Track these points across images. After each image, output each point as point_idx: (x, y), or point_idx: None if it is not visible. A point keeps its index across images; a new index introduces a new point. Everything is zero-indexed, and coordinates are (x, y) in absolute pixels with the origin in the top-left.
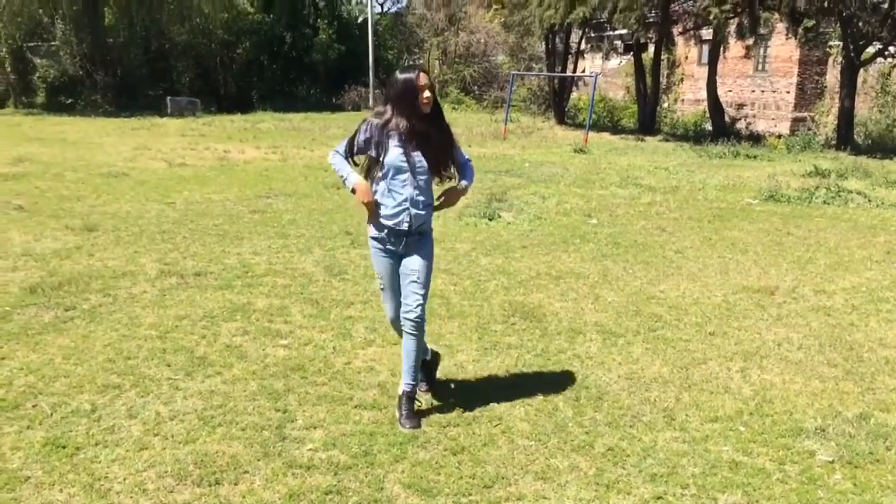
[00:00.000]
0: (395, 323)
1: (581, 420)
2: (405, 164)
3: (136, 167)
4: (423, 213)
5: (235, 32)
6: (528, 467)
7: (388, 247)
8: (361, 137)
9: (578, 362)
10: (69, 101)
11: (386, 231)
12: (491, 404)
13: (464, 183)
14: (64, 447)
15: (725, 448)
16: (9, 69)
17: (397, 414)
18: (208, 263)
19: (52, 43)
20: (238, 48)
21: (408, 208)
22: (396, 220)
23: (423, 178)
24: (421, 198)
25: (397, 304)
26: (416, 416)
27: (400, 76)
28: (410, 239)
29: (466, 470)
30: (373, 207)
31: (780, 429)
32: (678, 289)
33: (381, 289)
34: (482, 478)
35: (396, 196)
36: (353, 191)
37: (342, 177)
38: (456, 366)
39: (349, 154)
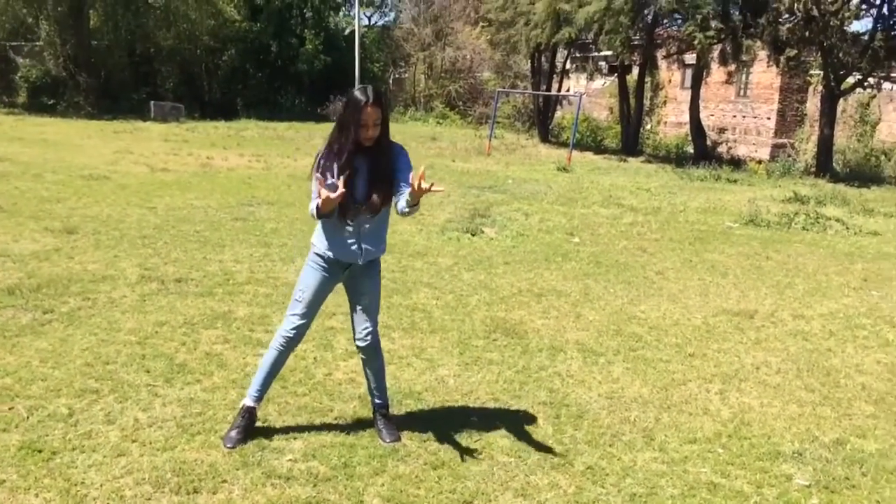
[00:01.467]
0: (291, 342)
1: (561, 438)
2: (349, 196)
3: (117, 171)
4: (373, 248)
5: (221, 39)
6: (507, 484)
7: (331, 269)
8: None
9: (559, 380)
10: (51, 101)
11: (331, 260)
12: (472, 419)
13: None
14: (40, 451)
15: (704, 470)
16: None
17: (377, 427)
18: (189, 270)
19: (36, 43)
20: (224, 55)
21: (357, 242)
22: (344, 255)
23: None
24: (370, 231)
25: (304, 326)
26: (395, 430)
27: (352, 96)
28: (357, 268)
29: (446, 485)
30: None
31: (758, 452)
32: (659, 309)
33: (297, 300)
34: (462, 493)
35: (346, 228)
36: (320, 206)
37: (312, 213)
38: (437, 380)
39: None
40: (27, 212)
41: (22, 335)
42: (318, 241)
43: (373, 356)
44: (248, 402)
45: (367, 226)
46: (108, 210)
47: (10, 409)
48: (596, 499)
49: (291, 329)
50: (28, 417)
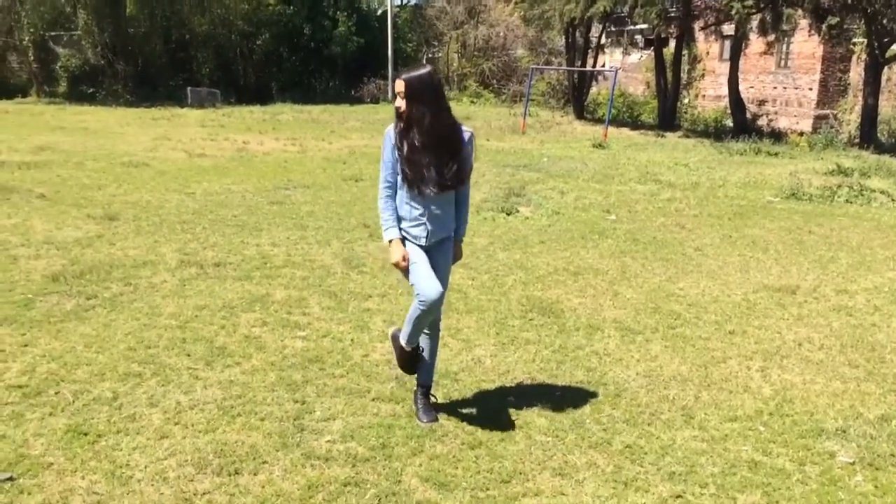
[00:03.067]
0: (438, 303)
1: (599, 417)
2: (410, 174)
3: (156, 157)
4: (440, 229)
5: (255, 23)
6: (545, 463)
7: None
8: (388, 151)
9: (596, 359)
10: (90, 90)
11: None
12: (508, 399)
13: (460, 235)
14: (86, 434)
15: (745, 448)
16: (31, 58)
17: (414, 408)
18: (227, 254)
19: (74, 32)
20: (258, 39)
21: (424, 223)
22: (415, 234)
23: (435, 190)
24: (438, 212)
25: (437, 286)
26: (433, 411)
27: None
28: (431, 244)
29: (484, 464)
30: (403, 268)
31: (801, 429)
32: (698, 286)
33: (414, 262)
34: (499, 472)
35: (413, 209)
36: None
37: (383, 227)
38: (473, 360)
39: (394, 177)
40: (69, 199)
41: (67, 321)
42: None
43: (432, 333)
44: (408, 346)
45: (434, 208)
46: (148, 196)
47: (56, 393)
48: (635, 477)
49: (433, 291)
50: (74, 401)
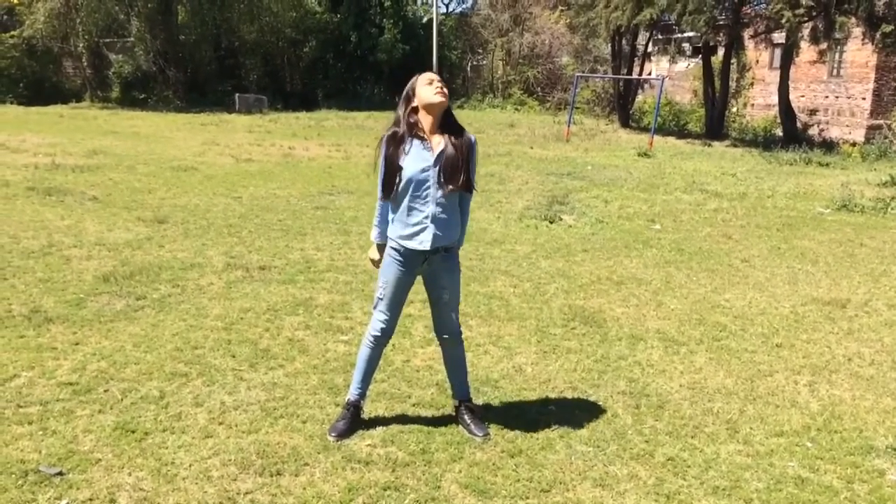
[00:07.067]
0: (380, 340)
1: (641, 428)
2: (417, 175)
3: (204, 162)
4: (442, 234)
5: (303, 31)
6: (586, 473)
7: (407, 262)
8: (384, 160)
9: (639, 370)
10: (142, 96)
11: (404, 250)
12: (549, 408)
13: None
14: (133, 432)
15: (791, 463)
16: (86, 64)
17: (463, 424)
18: (272, 258)
19: (128, 40)
20: (305, 46)
21: (428, 226)
22: (417, 240)
23: (441, 191)
24: (444, 215)
25: (390, 322)
26: (484, 424)
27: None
28: (434, 257)
29: (524, 472)
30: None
31: (849, 446)
32: (744, 298)
33: (379, 297)
34: (539, 481)
35: (416, 213)
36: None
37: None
38: (514, 368)
39: (390, 190)
40: (121, 202)
41: (116, 320)
42: (392, 231)
43: (455, 348)
44: (351, 397)
45: (439, 210)
46: (196, 200)
47: (105, 391)
48: (677, 491)
49: (378, 328)
50: (122, 399)
